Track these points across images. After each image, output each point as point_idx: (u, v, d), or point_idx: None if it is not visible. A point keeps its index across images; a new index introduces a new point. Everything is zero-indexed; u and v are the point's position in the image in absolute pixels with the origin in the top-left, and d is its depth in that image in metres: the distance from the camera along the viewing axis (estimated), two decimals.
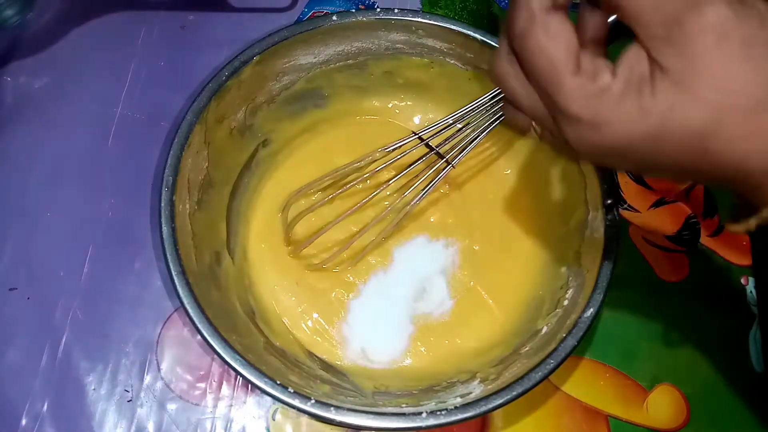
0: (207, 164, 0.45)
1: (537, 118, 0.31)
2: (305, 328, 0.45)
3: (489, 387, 0.39)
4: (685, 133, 0.26)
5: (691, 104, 0.26)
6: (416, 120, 0.52)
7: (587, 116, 0.27)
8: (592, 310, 0.39)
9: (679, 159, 0.27)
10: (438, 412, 0.37)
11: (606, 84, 0.27)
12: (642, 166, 0.29)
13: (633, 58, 0.27)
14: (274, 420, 0.44)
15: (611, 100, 0.27)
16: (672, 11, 0.26)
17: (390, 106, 0.52)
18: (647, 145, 0.27)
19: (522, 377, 0.38)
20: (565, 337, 0.39)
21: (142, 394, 0.44)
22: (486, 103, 0.41)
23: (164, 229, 0.40)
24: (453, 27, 0.45)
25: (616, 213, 0.42)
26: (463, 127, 0.42)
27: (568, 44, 0.28)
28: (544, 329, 0.42)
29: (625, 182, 0.52)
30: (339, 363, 0.45)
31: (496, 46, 0.45)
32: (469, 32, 0.45)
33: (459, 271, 0.47)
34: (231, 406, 0.44)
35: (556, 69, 0.28)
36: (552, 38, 0.28)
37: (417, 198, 0.43)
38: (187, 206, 0.43)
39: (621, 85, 0.27)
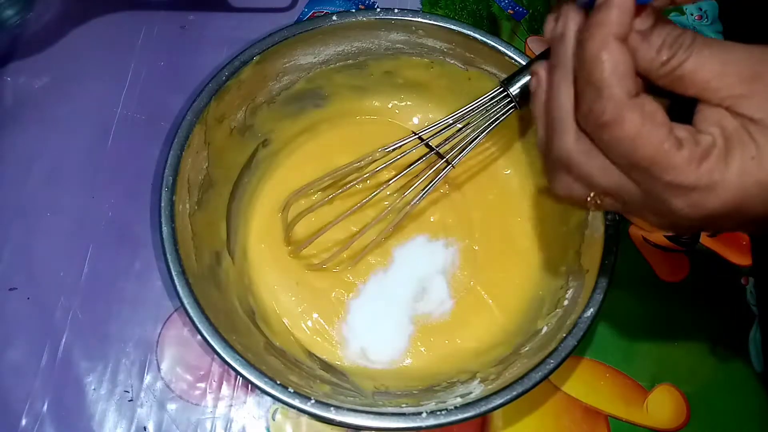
0: (207, 164, 0.45)
1: (617, 195, 0.30)
2: (305, 328, 0.45)
3: (489, 387, 0.39)
4: None
5: None
6: (416, 120, 0.52)
7: (703, 182, 0.27)
8: (592, 310, 0.39)
9: None
10: (438, 412, 0.37)
11: (709, 145, 0.27)
12: (756, 218, 0.29)
13: (714, 117, 0.28)
14: (274, 420, 0.44)
15: (719, 159, 0.27)
16: (747, 70, 0.27)
17: (390, 106, 0.52)
18: (764, 194, 0.27)
19: (522, 377, 0.38)
20: (565, 337, 0.39)
21: (142, 394, 0.44)
22: (486, 103, 0.41)
23: (164, 229, 0.40)
24: (453, 27, 0.45)
25: (616, 213, 0.42)
26: (463, 127, 0.42)
27: (663, 123, 0.28)
28: (544, 329, 0.42)
29: None
30: (339, 363, 0.45)
31: (496, 46, 0.45)
32: (469, 32, 0.45)
33: (459, 271, 0.47)
34: (231, 406, 0.44)
35: (661, 150, 0.27)
36: (648, 123, 0.27)
37: (417, 198, 0.43)
38: (187, 206, 0.43)
39: (722, 143, 0.27)
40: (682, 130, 0.28)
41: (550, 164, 0.32)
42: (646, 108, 0.28)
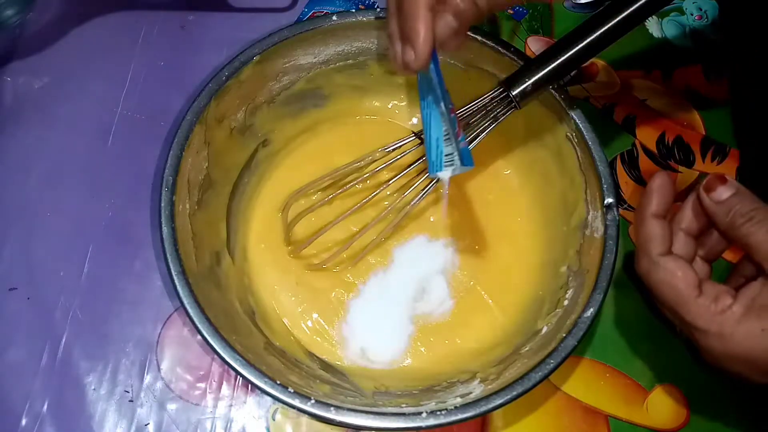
0: (207, 164, 0.45)
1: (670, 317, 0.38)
2: (305, 328, 0.45)
3: (489, 387, 0.39)
4: None
5: None
6: (416, 120, 0.52)
7: (713, 329, 0.35)
8: (592, 310, 0.39)
9: None
10: (438, 412, 0.37)
11: (726, 306, 0.35)
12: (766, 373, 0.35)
13: (755, 291, 0.35)
14: (274, 420, 0.44)
15: (732, 318, 0.34)
16: None
17: (390, 106, 0.52)
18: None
19: (522, 377, 0.38)
20: (565, 337, 0.39)
21: (142, 394, 0.44)
22: (486, 103, 0.41)
23: (164, 229, 0.40)
24: None
25: (616, 213, 0.42)
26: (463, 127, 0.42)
27: (685, 277, 0.36)
28: (544, 329, 0.42)
29: (625, 182, 0.52)
30: (339, 363, 0.45)
31: (496, 46, 0.45)
32: (469, 32, 0.45)
33: (459, 271, 0.47)
34: (231, 406, 0.44)
35: (681, 297, 0.36)
36: (670, 275, 0.36)
37: (417, 198, 0.43)
38: (187, 206, 0.43)
39: (742, 309, 0.34)
40: (709, 286, 0.36)
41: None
42: (670, 264, 0.36)
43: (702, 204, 0.38)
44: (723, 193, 0.37)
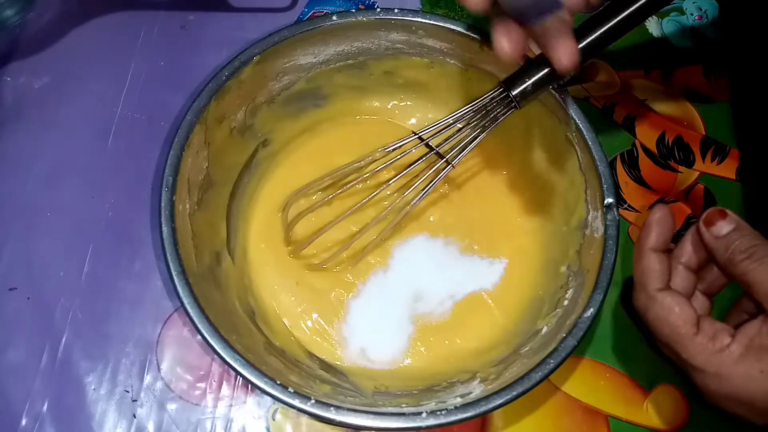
0: (207, 164, 0.45)
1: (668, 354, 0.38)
2: (305, 328, 0.45)
3: (489, 387, 0.39)
4: None
5: None
6: (416, 120, 0.52)
7: (710, 369, 0.34)
8: (592, 310, 0.39)
9: None
10: (438, 412, 0.37)
11: (724, 345, 0.34)
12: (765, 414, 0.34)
13: (754, 330, 0.34)
14: (274, 420, 0.44)
15: (730, 358, 0.34)
16: None
17: (390, 106, 0.52)
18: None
19: (522, 377, 0.38)
20: (565, 337, 0.39)
21: (142, 394, 0.44)
22: (486, 103, 0.41)
23: (164, 229, 0.40)
24: (453, 27, 0.45)
25: (616, 213, 0.42)
26: (463, 127, 0.42)
27: (682, 313, 0.35)
28: (544, 329, 0.42)
29: (625, 182, 0.52)
30: (339, 363, 0.45)
31: None
32: (469, 32, 0.45)
33: (459, 271, 0.47)
34: (231, 406, 0.44)
35: (678, 334, 0.35)
36: (668, 311, 0.36)
37: (417, 198, 0.43)
38: (187, 206, 0.43)
39: (740, 349, 0.34)
40: (707, 324, 0.35)
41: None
42: (667, 300, 0.36)
43: (702, 238, 0.37)
44: (723, 228, 0.36)
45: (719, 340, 0.34)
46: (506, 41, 0.38)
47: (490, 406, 0.37)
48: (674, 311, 0.35)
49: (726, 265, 0.36)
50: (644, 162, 0.52)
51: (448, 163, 0.43)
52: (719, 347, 0.34)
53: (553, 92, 0.43)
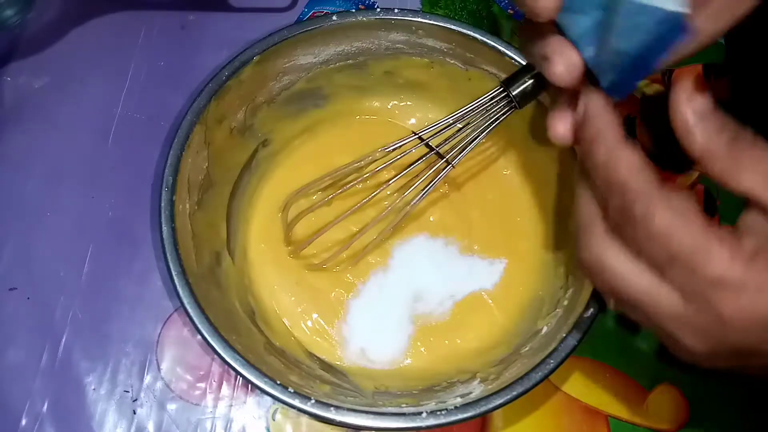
0: (207, 164, 0.45)
1: (645, 304, 0.28)
2: (305, 328, 0.45)
3: (489, 387, 0.39)
4: None
5: None
6: (416, 120, 0.52)
7: (754, 282, 0.25)
8: (592, 310, 0.39)
9: None
10: (438, 412, 0.37)
11: (755, 246, 0.25)
12: None
13: (759, 223, 0.26)
14: (274, 420, 0.44)
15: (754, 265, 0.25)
16: None
17: (390, 106, 0.52)
18: None
19: (522, 377, 0.38)
20: (565, 337, 0.39)
21: (142, 394, 0.44)
22: (486, 103, 0.41)
23: (164, 229, 0.40)
24: (453, 27, 0.45)
25: None
26: (463, 127, 0.42)
27: (697, 215, 0.26)
28: (544, 329, 0.42)
29: None
30: (339, 363, 0.45)
31: (496, 46, 0.45)
32: (469, 32, 0.45)
33: (459, 271, 0.47)
34: (231, 406, 0.44)
35: (700, 240, 0.25)
36: (681, 214, 0.26)
37: (417, 198, 0.43)
38: (187, 206, 0.43)
39: (752, 248, 0.25)
40: (724, 231, 0.26)
41: (580, 268, 0.30)
42: (674, 198, 0.26)
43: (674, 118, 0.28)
44: (700, 105, 0.28)
45: (745, 243, 0.25)
46: (562, 126, 0.32)
47: (490, 406, 0.37)
48: (689, 212, 0.26)
49: (704, 158, 0.27)
50: None
51: (448, 163, 0.43)
52: (753, 250, 0.25)
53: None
